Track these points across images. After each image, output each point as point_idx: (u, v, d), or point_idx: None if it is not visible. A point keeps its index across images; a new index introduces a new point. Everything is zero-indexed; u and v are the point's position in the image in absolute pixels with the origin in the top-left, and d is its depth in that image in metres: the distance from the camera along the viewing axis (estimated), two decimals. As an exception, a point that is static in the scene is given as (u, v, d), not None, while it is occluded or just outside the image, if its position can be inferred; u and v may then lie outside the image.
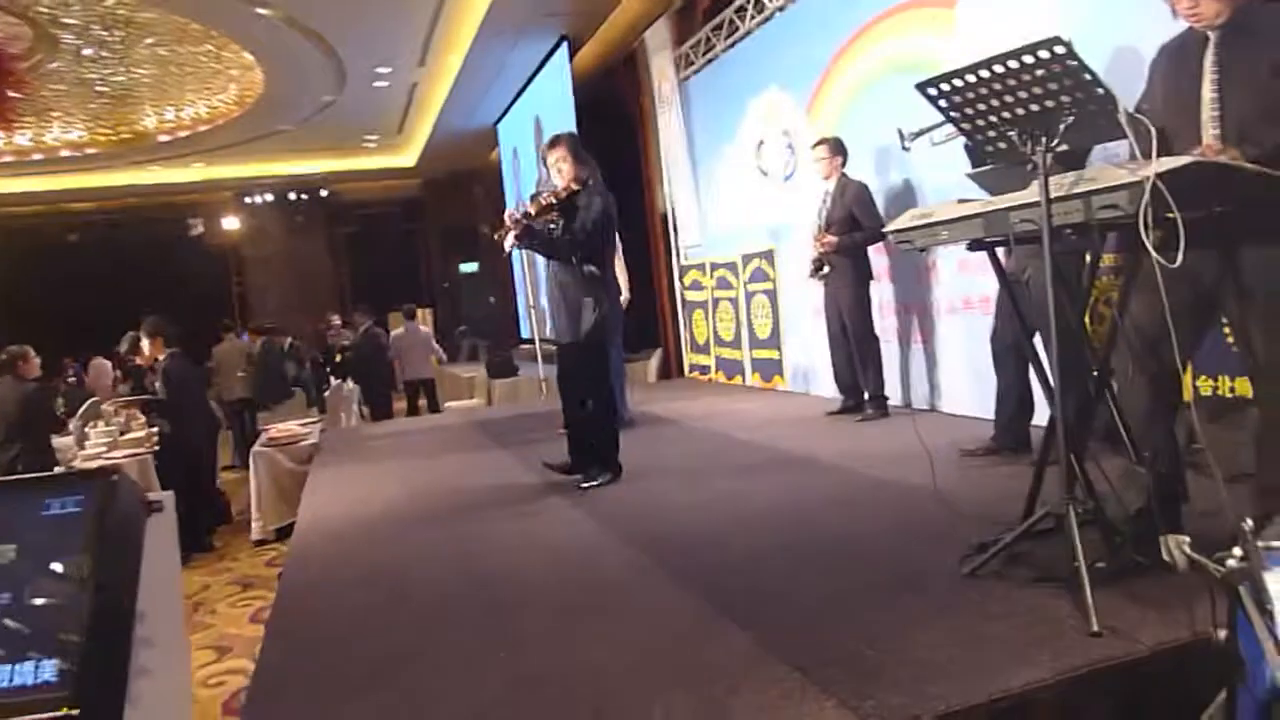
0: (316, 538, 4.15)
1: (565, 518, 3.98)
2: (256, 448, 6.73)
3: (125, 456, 6.40)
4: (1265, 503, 2.34)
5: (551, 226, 4.40)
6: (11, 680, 1.20)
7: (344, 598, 3.22)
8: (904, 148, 3.97)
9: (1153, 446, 2.59)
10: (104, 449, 6.70)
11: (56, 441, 8.47)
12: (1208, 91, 2.51)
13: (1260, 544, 1.25)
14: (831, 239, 5.50)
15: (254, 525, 6.54)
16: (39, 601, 1.27)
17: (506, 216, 4.42)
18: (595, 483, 4.47)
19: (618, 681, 2.23)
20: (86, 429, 7.50)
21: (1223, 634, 1.30)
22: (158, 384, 6.69)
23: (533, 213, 4.36)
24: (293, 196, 18.10)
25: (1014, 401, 4.20)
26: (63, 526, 1.32)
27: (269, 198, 17.97)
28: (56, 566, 1.28)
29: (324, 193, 18.31)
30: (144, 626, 1.28)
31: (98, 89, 11.79)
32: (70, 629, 1.23)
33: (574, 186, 4.38)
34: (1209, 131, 2.51)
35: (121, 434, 7.23)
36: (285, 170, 17.10)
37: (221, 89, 12.50)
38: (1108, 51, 3.88)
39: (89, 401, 8.77)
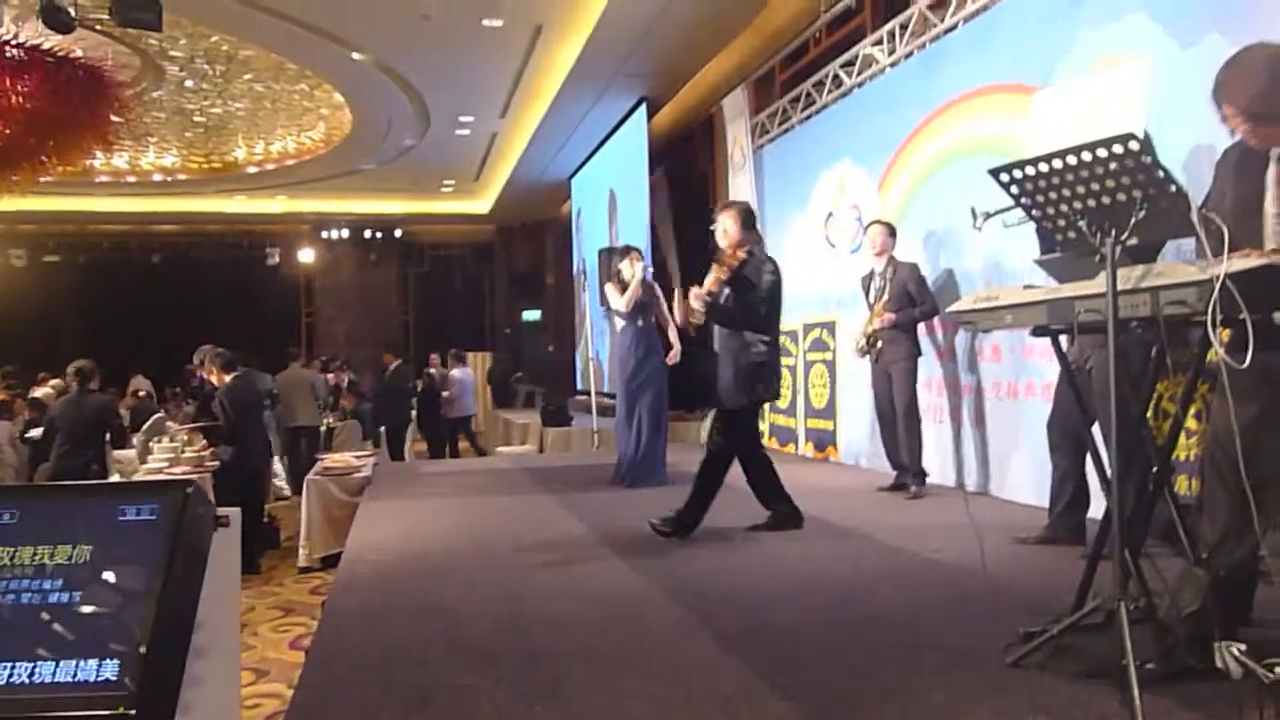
0: (363, 568, 4.21)
1: (612, 570, 3.99)
2: (310, 476, 6.86)
3: (185, 473, 6.58)
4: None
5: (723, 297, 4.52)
6: (75, 675, 1.25)
7: (386, 631, 3.26)
8: (975, 227, 4.00)
9: (1228, 562, 2.53)
10: (165, 464, 6.89)
11: (119, 454, 8.75)
12: (1271, 205, 2.51)
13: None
14: (891, 315, 5.57)
15: (301, 552, 6.64)
16: (108, 602, 1.31)
17: (692, 297, 4.53)
18: (666, 536, 4.51)
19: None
20: (150, 444, 7.74)
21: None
22: (223, 404, 6.87)
23: (714, 290, 4.48)
24: (368, 234, 18.60)
25: (1070, 491, 4.13)
26: (137, 532, 1.37)
27: (345, 233, 18.49)
28: (127, 570, 1.33)
29: (399, 232, 18.79)
30: (201, 636, 1.32)
31: (195, 119, 12.35)
32: (134, 632, 1.28)
33: (741, 255, 4.49)
34: (1271, 244, 2.50)
35: (183, 451, 7.43)
36: (363, 208, 17.63)
37: (311, 126, 13.01)
38: (1185, 148, 3.87)
39: (154, 417, 9.05)
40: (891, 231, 5.76)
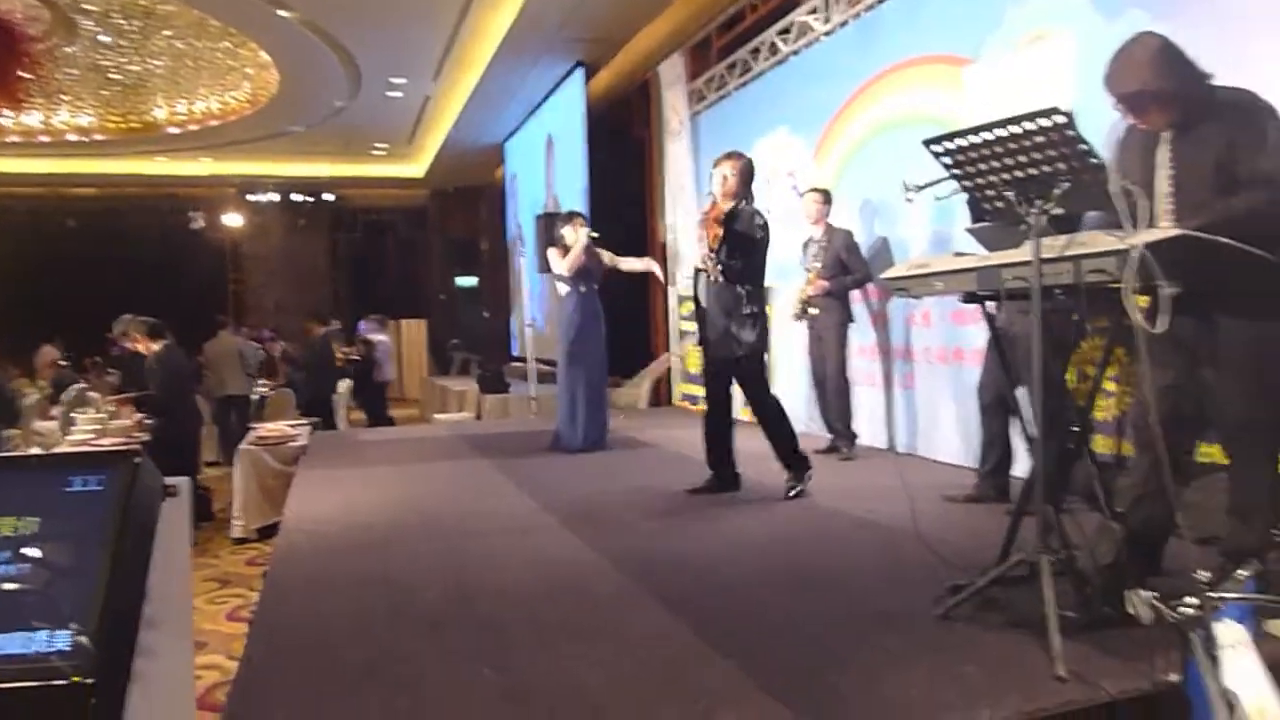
0: (302, 538, 4.18)
1: (556, 538, 4.03)
2: (243, 445, 6.76)
3: (113, 445, 6.42)
4: (1230, 563, 2.42)
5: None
6: (28, 647, 1.25)
7: (328, 602, 3.25)
8: (907, 199, 4.09)
9: (1143, 517, 2.68)
10: (91, 436, 6.70)
11: (39, 425, 8.48)
12: (1163, 185, 2.65)
13: (1212, 595, 1.33)
14: (824, 283, 5.68)
15: (235, 523, 6.55)
16: (58, 573, 1.31)
17: (701, 261, 4.59)
18: (803, 485, 4.59)
19: (602, 698, 2.28)
20: (73, 415, 7.52)
21: (1175, 677, 1.38)
22: (154, 373, 6.69)
23: (714, 247, 4.48)
24: (297, 198, 18.14)
25: (998, 453, 4.29)
26: (85, 503, 1.36)
27: (273, 197, 18.01)
28: (76, 541, 1.33)
29: (329, 196, 18.36)
30: (151, 607, 1.32)
31: (111, 76, 11.87)
32: (85, 602, 1.28)
33: (727, 205, 4.51)
34: (1165, 219, 2.64)
35: (110, 421, 7.23)
36: (291, 171, 17.16)
37: (235, 86, 12.61)
38: (1108, 122, 3.99)
39: (74, 388, 8.78)
40: (827, 199, 5.85)
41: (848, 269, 5.70)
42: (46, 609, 1.29)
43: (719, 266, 4.50)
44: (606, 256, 6.49)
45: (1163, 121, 2.64)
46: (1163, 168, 2.65)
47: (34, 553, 1.35)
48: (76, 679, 1.18)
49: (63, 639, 1.24)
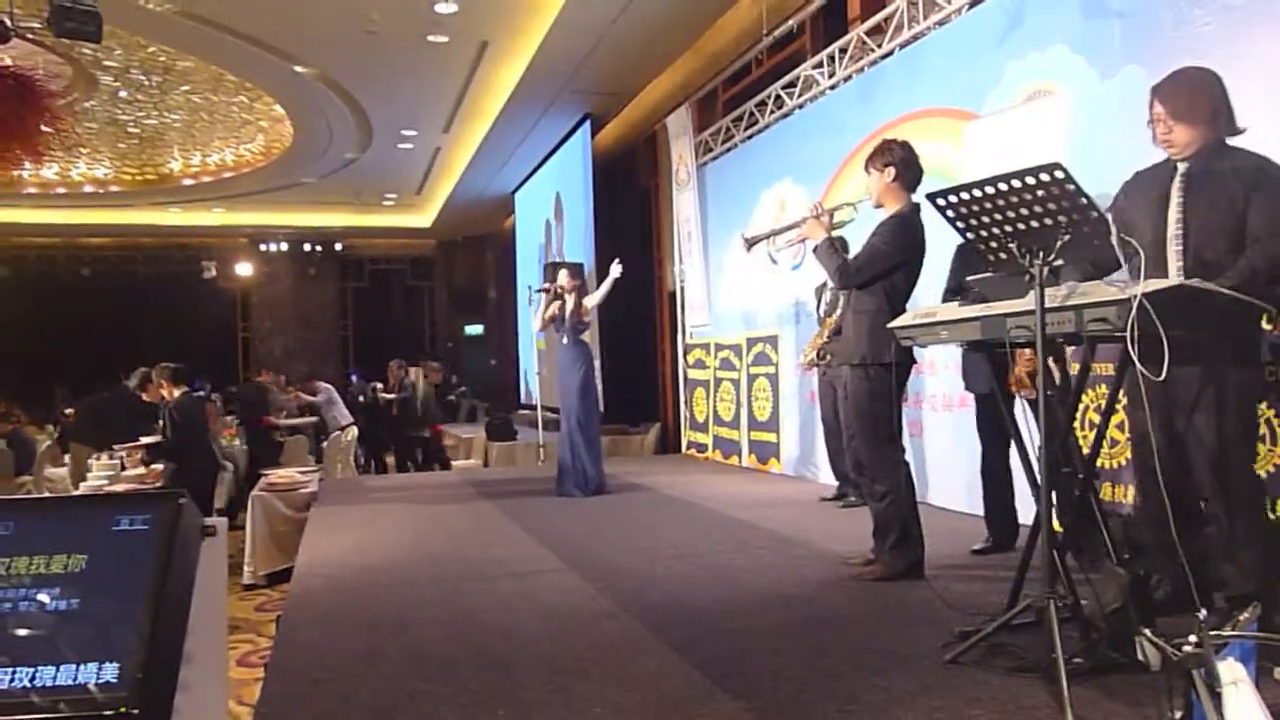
0: (316, 582, 4.22)
1: (561, 581, 4.07)
2: (255, 492, 6.80)
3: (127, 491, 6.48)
4: (1233, 607, 2.45)
5: None
6: (76, 679, 1.30)
7: (342, 643, 3.28)
8: (747, 250, 4.31)
9: (1148, 562, 2.72)
10: (105, 482, 6.76)
11: (50, 472, 8.55)
12: (1173, 221, 2.73)
13: (1213, 634, 1.38)
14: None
15: (245, 569, 6.58)
16: (105, 608, 1.37)
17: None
18: None
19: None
20: (89, 461, 7.59)
21: (1179, 714, 1.42)
22: (171, 419, 6.74)
23: None
24: (307, 247, 18.38)
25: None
26: (131, 541, 1.42)
27: (284, 246, 18.26)
28: (123, 577, 1.39)
29: (339, 246, 18.59)
30: (190, 642, 1.38)
31: (129, 130, 12.12)
32: (131, 636, 1.34)
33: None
34: (1174, 263, 2.71)
35: (121, 469, 7.30)
36: (302, 221, 17.41)
37: (249, 138, 12.86)
38: (1104, 174, 4.09)
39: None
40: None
41: None
42: (94, 643, 1.35)
43: None
44: (590, 300, 6.74)
45: (1184, 143, 2.74)
46: (1174, 214, 2.72)
47: (83, 589, 1.40)
48: (123, 709, 1.24)
49: (110, 671, 1.30)
